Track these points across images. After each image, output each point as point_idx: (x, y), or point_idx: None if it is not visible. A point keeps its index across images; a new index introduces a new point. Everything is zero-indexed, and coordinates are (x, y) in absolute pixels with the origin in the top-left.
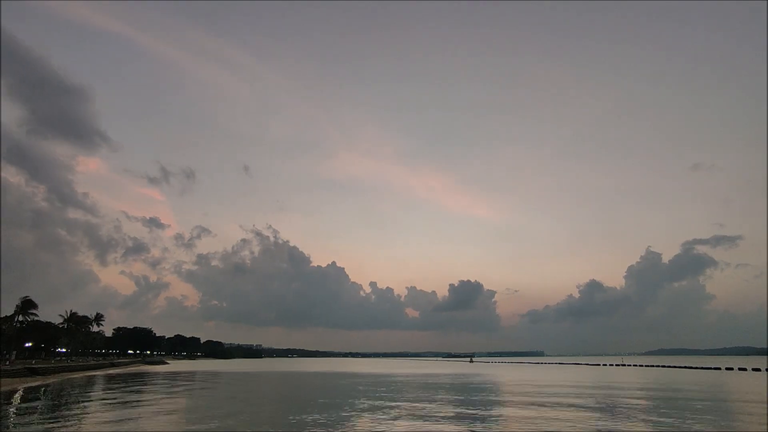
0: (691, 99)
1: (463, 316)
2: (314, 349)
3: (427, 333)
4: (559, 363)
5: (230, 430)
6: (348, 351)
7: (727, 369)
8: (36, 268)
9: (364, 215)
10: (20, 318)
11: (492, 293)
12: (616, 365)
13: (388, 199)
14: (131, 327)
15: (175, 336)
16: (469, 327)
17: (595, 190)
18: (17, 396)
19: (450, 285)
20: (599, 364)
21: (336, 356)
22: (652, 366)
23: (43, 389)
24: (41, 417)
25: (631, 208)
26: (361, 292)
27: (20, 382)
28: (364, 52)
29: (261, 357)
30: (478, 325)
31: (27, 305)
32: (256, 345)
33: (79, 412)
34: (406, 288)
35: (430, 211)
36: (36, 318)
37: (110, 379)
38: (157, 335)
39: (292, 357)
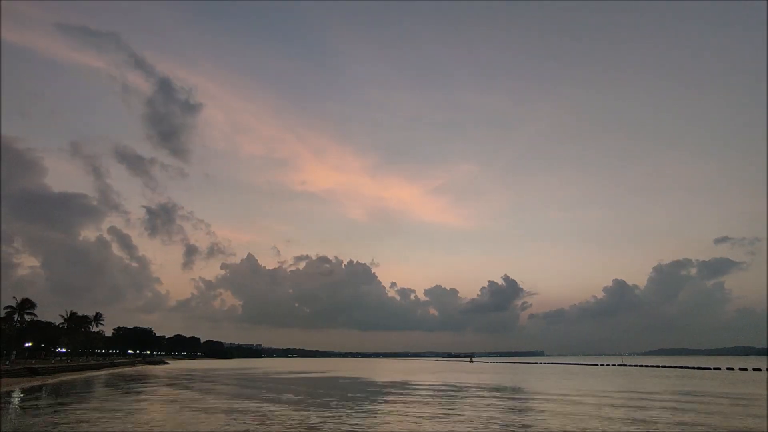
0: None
1: (468, 317)
2: (314, 349)
3: (425, 333)
4: (562, 363)
5: None
6: (348, 351)
7: (724, 368)
8: (112, 271)
9: (335, 223)
10: (19, 318)
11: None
12: (618, 365)
13: (359, 208)
14: (131, 327)
15: (175, 336)
16: (473, 327)
17: (605, 190)
18: (17, 396)
19: (489, 283)
20: (598, 365)
21: (336, 356)
22: (656, 367)
23: (43, 389)
24: (41, 417)
25: (661, 205)
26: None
27: (20, 382)
28: (318, 87)
29: (261, 357)
30: (484, 326)
31: (25, 305)
32: (256, 345)
33: (83, 412)
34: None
35: (403, 219)
36: (36, 318)
37: (111, 378)
38: (157, 335)
39: (292, 357)
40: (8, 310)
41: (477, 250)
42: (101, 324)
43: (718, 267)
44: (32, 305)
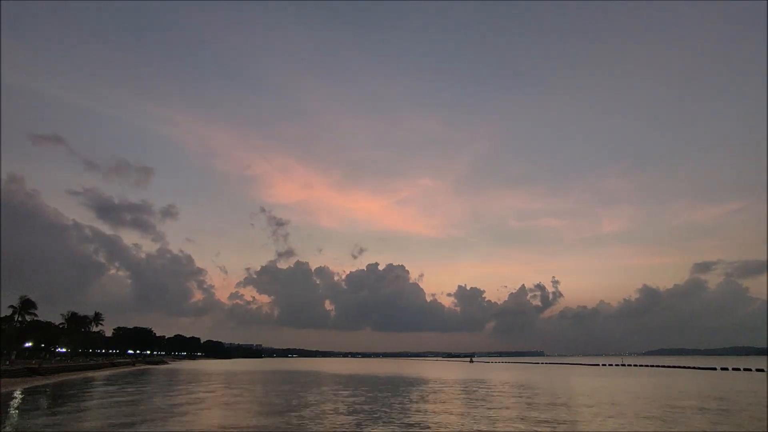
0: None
1: (462, 318)
2: (314, 349)
3: (428, 334)
4: (564, 363)
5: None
6: (348, 351)
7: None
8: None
9: (309, 232)
10: (20, 318)
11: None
12: (618, 365)
13: (330, 218)
14: (131, 327)
15: (175, 336)
16: (469, 329)
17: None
18: (17, 396)
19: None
20: (599, 364)
21: (336, 356)
22: (657, 366)
23: (43, 389)
24: (41, 417)
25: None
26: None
27: (20, 382)
28: (279, 118)
29: (261, 357)
30: (484, 327)
31: (26, 305)
32: (256, 345)
33: (82, 411)
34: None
35: (376, 228)
36: (36, 318)
37: (110, 378)
38: (157, 335)
39: (292, 357)
40: (10, 309)
41: (447, 255)
42: (101, 324)
43: (754, 268)
44: (33, 305)
